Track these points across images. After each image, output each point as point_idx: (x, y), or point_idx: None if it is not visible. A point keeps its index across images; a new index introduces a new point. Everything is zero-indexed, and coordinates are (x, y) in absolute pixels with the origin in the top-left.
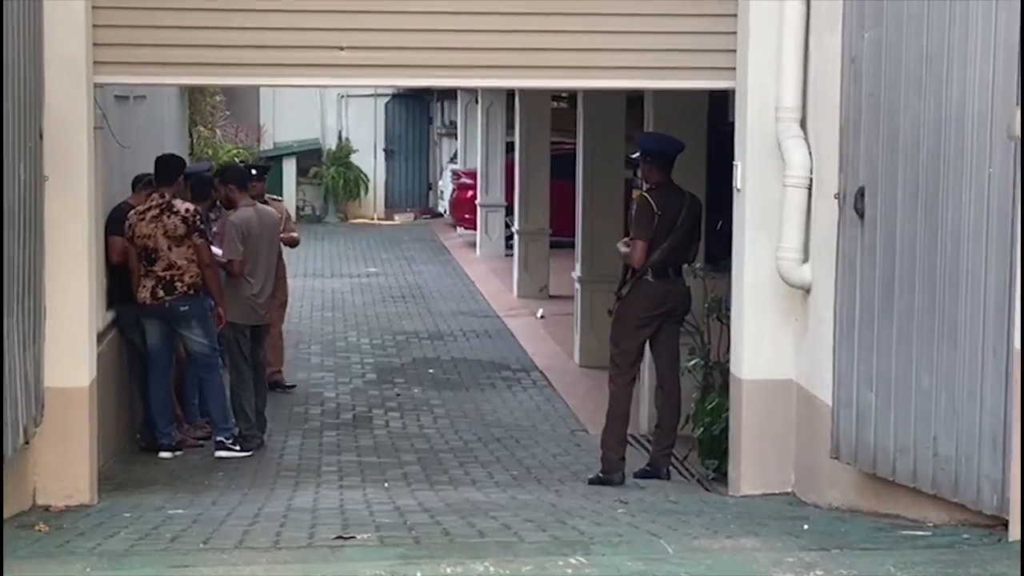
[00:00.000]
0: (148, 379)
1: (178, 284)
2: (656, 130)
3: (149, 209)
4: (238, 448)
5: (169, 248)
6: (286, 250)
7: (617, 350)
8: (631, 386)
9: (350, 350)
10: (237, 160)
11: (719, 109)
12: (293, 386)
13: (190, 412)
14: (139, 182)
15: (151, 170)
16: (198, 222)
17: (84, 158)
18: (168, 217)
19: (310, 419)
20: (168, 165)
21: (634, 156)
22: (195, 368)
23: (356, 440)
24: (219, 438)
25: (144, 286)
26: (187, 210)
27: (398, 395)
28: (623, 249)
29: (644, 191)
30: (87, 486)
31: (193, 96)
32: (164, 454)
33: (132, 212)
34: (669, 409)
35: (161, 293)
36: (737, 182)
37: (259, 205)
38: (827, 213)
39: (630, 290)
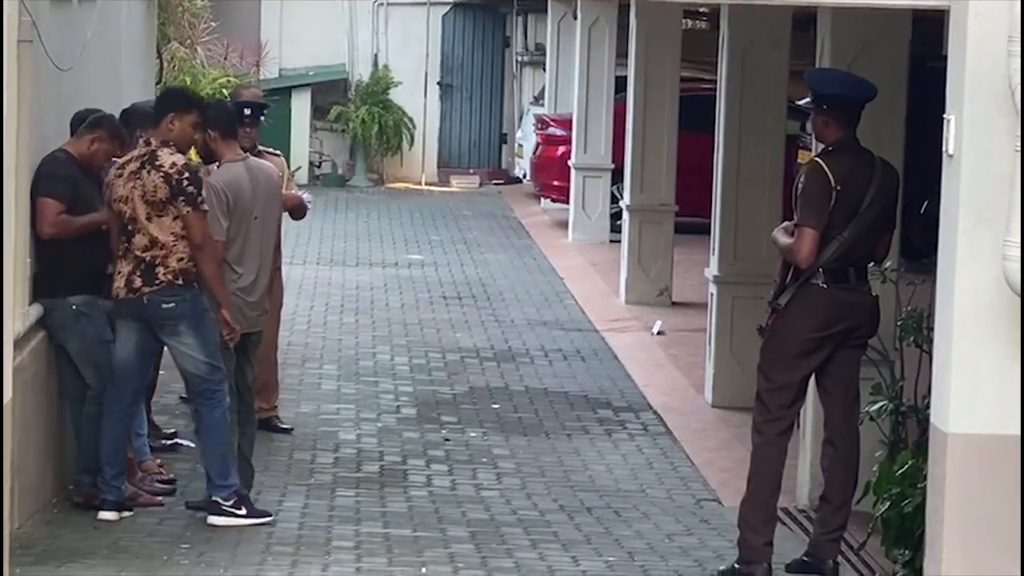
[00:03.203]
0: (106, 407)
1: (160, 270)
2: (835, 65)
3: (130, 161)
4: (243, 512)
5: (148, 218)
6: (287, 223)
7: (768, 385)
8: (785, 439)
9: (379, 373)
10: (224, 93)
11: (928, 37)
12: (290, 429)
13: (137, 448)
14: (81, 121)
15: (100, 104)
16: (185, 183)
17: (4, 84)
18: (148, 173)
19: (318, 471)
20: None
21: (803, 103)
22: (190, 395)
23: (383, 503)
24: (216, 497)
25: (120, 271)
26: (172, 165)
27: (447, 440)
28: (783, 239)
29: (817, 155)
30: None
31: None
32: (107, 514)
33: (114, 166)
34: (841, 475)
35: (138, 282)
36: (949, 145)
37: (251, 159)
38: None
39: (792, 299)
